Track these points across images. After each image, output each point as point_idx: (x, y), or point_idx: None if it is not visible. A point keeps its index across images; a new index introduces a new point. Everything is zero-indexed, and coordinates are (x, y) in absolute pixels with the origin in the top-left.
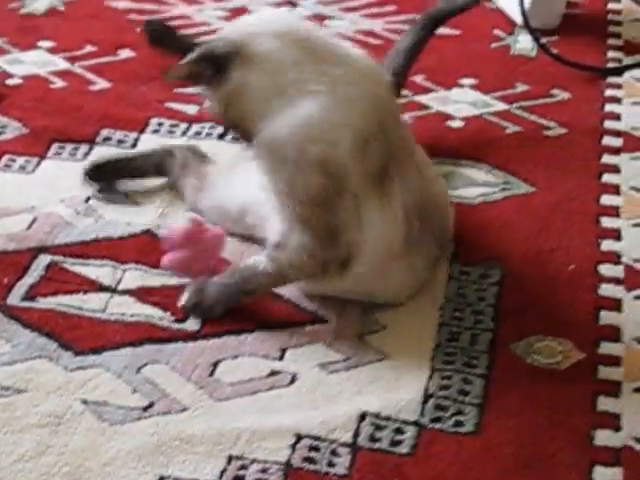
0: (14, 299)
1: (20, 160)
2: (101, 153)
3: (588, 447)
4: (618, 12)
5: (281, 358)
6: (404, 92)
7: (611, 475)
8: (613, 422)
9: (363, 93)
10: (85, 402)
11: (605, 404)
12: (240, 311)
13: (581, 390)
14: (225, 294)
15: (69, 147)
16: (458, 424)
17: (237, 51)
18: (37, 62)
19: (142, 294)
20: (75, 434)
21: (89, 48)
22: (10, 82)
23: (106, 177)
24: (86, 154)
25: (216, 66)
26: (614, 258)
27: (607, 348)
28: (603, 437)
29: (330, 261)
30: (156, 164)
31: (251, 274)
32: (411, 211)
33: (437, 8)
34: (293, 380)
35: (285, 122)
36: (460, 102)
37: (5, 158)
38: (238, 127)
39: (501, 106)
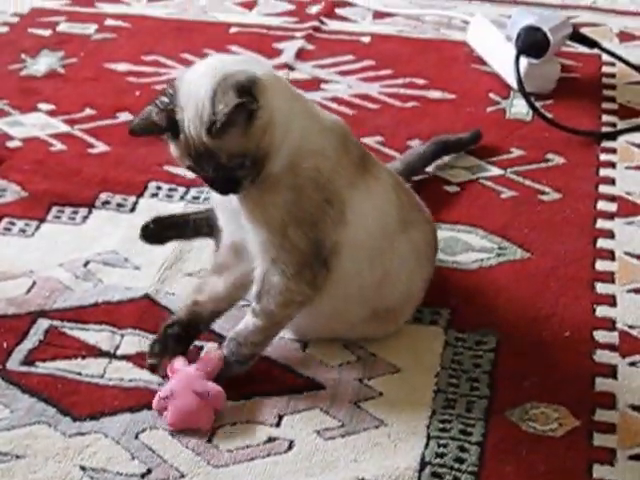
0: (13, 364)
1: (20, 223)
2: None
3: None
4: (612, 75)
5: (278, 424)
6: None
7: None
8: None
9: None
10: (83, 468)
11: (600, 472)
12: (237, 378)
13: (577, 457)
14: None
15: (68, 210)
16: None
17: (255, 80)
18: (37, 125)
19: (140, 359)
20: None
21: (88, 111)
22: (10, 144)
23: (160, 236)
24: (85, 217)
25: (250, 96)
26: (609, 324)
27: (602, 415)
28: None
29: (317, 275)
30: (209, 224)
31: (243, 339)
32: (396, 186)
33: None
34: (290, 447)
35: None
36: (456, 167)
37: (5, 221)
38: (264, 159)
39: (496, 171)
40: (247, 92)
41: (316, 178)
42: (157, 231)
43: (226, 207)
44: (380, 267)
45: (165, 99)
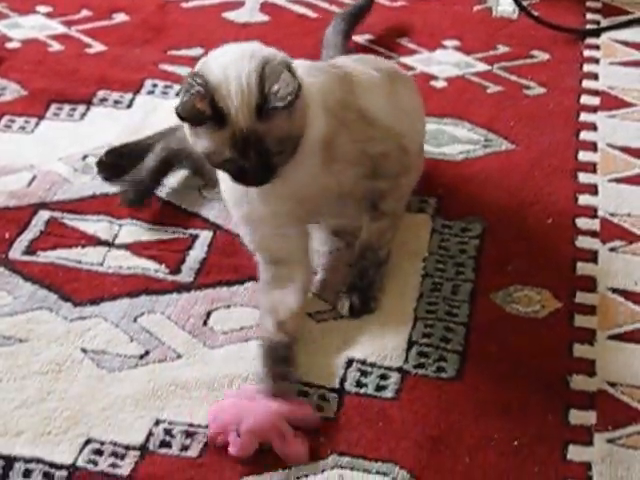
0: (15, 253)
1: (19, 120)
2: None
3: (564, 391)
4: None
5: None
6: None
7: (585, 417)
8: (588, 367)
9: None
10: (84, 350)
11: (581, 351)
12: (231, 264)
13: (558, 337)
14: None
15: (67, 108)
16: (440, 370)
17: (290, 60)
18: (35, 26)
19: (138, 248)
20: (75, 381)
21: (85, 12)
22: (9, 45)
23: (116, 167)
24: (83, 114)
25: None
26: (591, 212)
27: (583, 297)
28: (578, 381)
29: (402, 158)
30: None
31: (378, 243)
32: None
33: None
34: None
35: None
36: (443, 63)
37: (5, 119)
38: (299, 140)
39: (483, 67)
40: (293, 73)
41: (345, 108)
42: (111, 163)
43: (267, 217)
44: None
45: (200, 88)
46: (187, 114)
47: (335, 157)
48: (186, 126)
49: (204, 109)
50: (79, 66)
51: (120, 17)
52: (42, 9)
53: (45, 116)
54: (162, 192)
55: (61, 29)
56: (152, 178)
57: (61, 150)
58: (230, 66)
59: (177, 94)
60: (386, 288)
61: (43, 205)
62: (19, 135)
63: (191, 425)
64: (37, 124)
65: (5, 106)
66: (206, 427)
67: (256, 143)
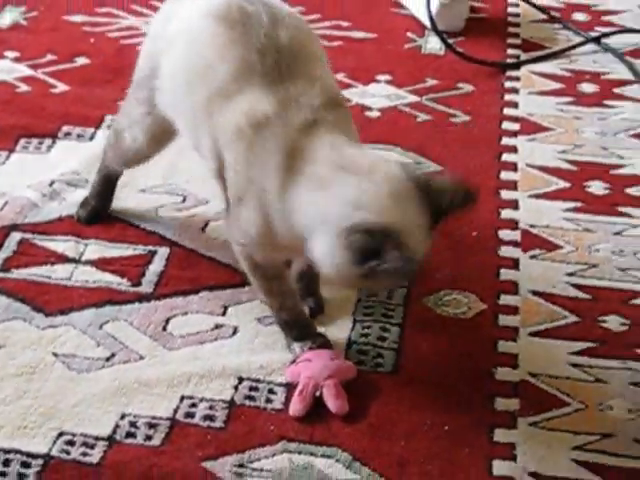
0: None
1: None
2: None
3: (490, 382)
4: (517, 15)
5: (224, 314)
6: None
7: (509, 405)
8: (511, 361)
9: None
10: (55, 355)
11: (505, 347)
12: (187, 276)
13: (484, 336)
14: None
15: (35, 141)
16: (378, 365)
17: None
18: (4, 70)
19: (102, 264)
20: (48, 381)
21: (49, 57)
22: None
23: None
24: (49, 147)
25: None
26: (512, 225)
27: (506, 300)
28: (503, 373)
29: None
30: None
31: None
32: None
33: None
34: (235, 332)
35: None
36: (377, 95)
37: None
38: None
39: (413, 98)
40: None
41: None
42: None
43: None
44: None
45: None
46: (403, 277)
47: None
48: (365, 277)
49: (408, 266)
50: (45, 104)
51: (82, 60)
52: (10, 54)
53: (15, 149)
54: (123, 215)
55: (28, 72)
56: (99, 198)
57: (30, 178)
58: (397, 208)
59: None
60: (328, 293)
61: (15, 227)
62: None
63: (153, 418)
64: (8, 157)
65: None
66: (167, 419)
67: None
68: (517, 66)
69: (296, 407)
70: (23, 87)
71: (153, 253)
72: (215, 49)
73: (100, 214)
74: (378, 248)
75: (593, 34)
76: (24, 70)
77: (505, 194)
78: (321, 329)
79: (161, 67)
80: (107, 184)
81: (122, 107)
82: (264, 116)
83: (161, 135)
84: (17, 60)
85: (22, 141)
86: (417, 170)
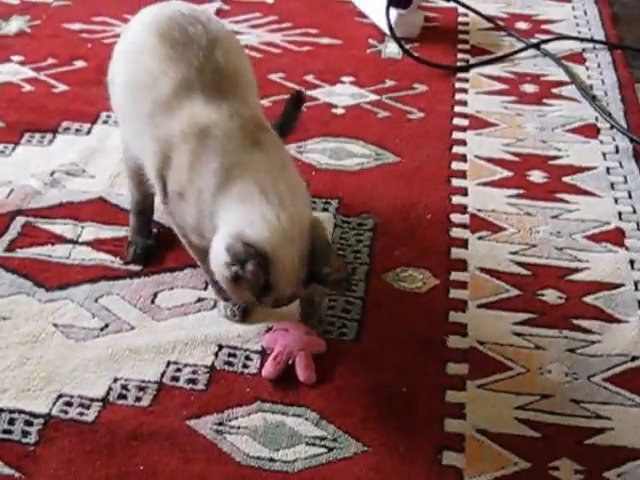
0: None
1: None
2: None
3: (442, 349)
4: (466, 24)
5: (205, 289)
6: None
7: (460, 369)
8: (461, 330)
9: None
10: (55, 325)
11: (455, 317)
12: (172, 254)
13: (437, 307)
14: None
15: (37, 136)
16: (342, 335)
17: None
18: (10, 72)
19: (97, 244)
20: (48, 349)
21: (51, 60)
22: None
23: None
24: (51, 140)
25: None
26: (462, 209)
27: (456, 276)
28: (454, 341)
29: None
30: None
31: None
32: None
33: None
34: (215, 305)
35: None
36: (342, 95)
37: None
38: None
39: (374, 97)
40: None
41: None
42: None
43: None
44: None
45: (257, 269)
46: (257, 292)
47: None
48: (228, 279)
49: (260, 284)
50: (47, 102)
51: (80, 63)
52: (15, 58)
53: (20, 142)
54: (116, 199)
55: (31, 74)
56: (142, 235)
57: (33, 168)
58: (282, 244)
59: (228, 252)
60: None
61: (19, 212)
62: None
63: (142, 381)
64: (14, 149)
65: None
66: (154, 383)
67: (293, 298)
68: (466, 69)
69: (269, 370)
70: (27, 87)
71: None
72: (158, 64)
73: (150, 250)
74: (246, 259)
75: (533, 40)
76: (28, 72)
77: (455, 182)
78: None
79: (114, 77)
80: (144, 215)
81: None
82: (205, 126)
83: None
84: (22, 63)
85: (26, 135)
86: (324, 233)
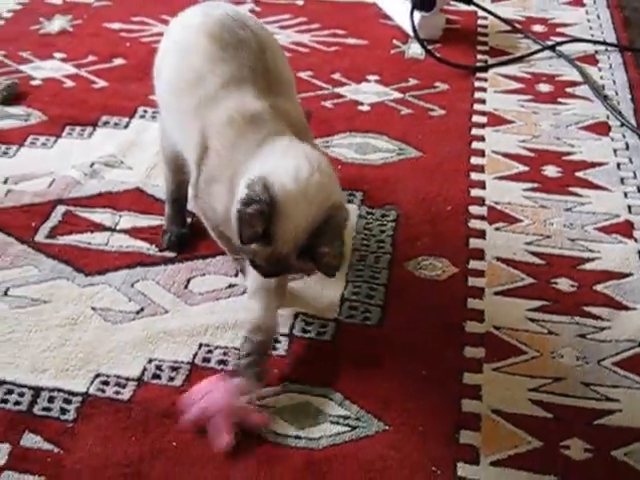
0: (40, 237)
1: (42, 139)
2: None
3: (460, 334)
4: (485, 26)
5: (236, 275)
6: (328, 86)
7: (477, 352)
8: (479, 315)
9: None
10: (94, 308)
11: (473, 304)
12: (205, 242)
13: (456, 294)
14: None
15: (78, 129)
16: (366, 319)
17: None
18: (53, 68)
19: (134, 232)
20: (87, 331)
21: (91, 57)
22: (33, 83)
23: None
24: (90, 134)
25: None
26: (480, 201)
27: (474, 264)
28: (471, 326)
29: None
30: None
31: None
32: None
33: None
34: (245, 290)
35: None
36: (367, 92)
37: (31, 137)
38: None
39: (398, 95)
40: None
41: None
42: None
43: None
44: None
45: (264, 208)
46: (246, 238)
47: None
48: (236, 217)
49: (258, 230)
50: (87, 98)
51: (119, 61)
52: (58, 55)
53: (61, 135)
54: (152, 189)
55: (72, 70)
56: (177, 224)
57: (74, 160)
58: (298, 202)
59: (247, 188)
60: None
61: (60, 201)
62: (42, 150)
63: (175, 362)
64: (55, 141)
65: (31, 128)
66: (187, 364)
67: (285, 262)
68: (485, 69)
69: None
70: (69, 83)
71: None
72: (206, 64)
73: (185, 238)
74: (258, 200)
75: (549, 43)
76: (70, 69)
77: (474, 176)
78: (318, 289)
79: (161, 72)
80: (178, 203)
81: None
82: (256, 111)
83: None
84: (64, 60)
85: (67, 128)
86: (342, 219)
